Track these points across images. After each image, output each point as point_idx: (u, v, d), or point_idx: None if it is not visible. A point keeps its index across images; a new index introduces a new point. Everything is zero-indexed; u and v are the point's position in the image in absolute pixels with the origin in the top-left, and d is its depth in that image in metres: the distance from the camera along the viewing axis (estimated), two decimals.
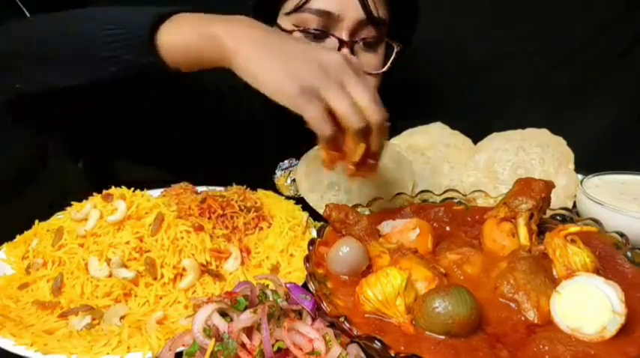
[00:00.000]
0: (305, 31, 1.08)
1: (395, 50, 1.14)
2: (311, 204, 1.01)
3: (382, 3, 1.10)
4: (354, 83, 0.72)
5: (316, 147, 1.10)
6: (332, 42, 1.08)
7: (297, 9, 1.08)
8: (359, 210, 0.83)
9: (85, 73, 0.85)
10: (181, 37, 0.79)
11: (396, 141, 1.16)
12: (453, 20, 1.71)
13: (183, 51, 0.79)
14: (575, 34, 1.73)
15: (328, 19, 1.06)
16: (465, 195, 0.93)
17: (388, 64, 1.15)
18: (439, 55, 1.75)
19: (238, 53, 0.74)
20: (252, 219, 0.94)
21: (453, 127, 1.18)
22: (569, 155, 1.03)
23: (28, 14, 1.74)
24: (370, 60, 1.13)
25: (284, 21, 1.11)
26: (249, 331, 0.60)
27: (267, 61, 0.72)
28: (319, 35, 1.09)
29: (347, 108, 0.69)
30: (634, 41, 1.72)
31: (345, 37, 1.08)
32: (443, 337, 0.58)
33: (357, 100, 0.71)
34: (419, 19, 1.22)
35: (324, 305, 0.62)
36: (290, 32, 1.08)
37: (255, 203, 0.97)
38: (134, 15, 0.82)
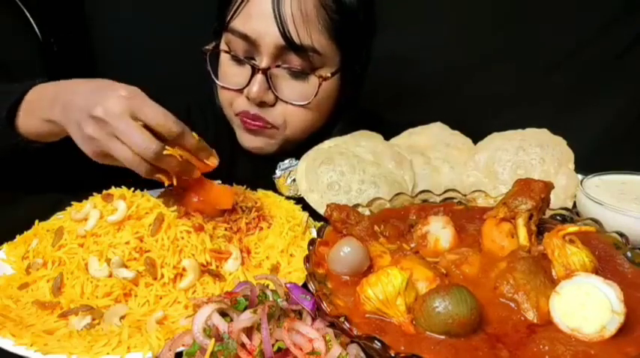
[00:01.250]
0: (230, 53, 1.06)
1: (319, 83, 1.06)
2: (311, 204, 1.01)
3: (317, 31, 1.02)
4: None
5: (316, 147, 1.10)
6: (248, 68, 1.05)
7: (225, 27, 1.05)
8: (359, 210, 0.83)
9: None
10: (31, 124, 0.90)
11: (396, 141, 1.16)
12: (454, 21, 1.72)
13: (37, 133, 0.91)
14: (575, 34, 1.73)
15: (248, 43, 1.02)
16: (465, 195, 0.93)
17: (313, 96, 1.07)
18: (440, 55, 1.75)
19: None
20: (253, 219, 0.94)
21: (453, 127, 1.18)
22: (569, 155, 1.03)
23: (28, 14, 1.74)
24: (294, 88, 1.07)
25: (223, 39, 1.09)
26: (249, 331, 0.60)
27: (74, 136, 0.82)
28: (242, 61, 1.05)
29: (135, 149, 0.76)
30: (634, 41, 1.72)
31: (264, 64, 1.03)
32: (443, 337, 0.58)
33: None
34: (370, 48, 1.17)
35: (324, 305, 0.62)
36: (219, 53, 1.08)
37: (255, 203, 0.97)
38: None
